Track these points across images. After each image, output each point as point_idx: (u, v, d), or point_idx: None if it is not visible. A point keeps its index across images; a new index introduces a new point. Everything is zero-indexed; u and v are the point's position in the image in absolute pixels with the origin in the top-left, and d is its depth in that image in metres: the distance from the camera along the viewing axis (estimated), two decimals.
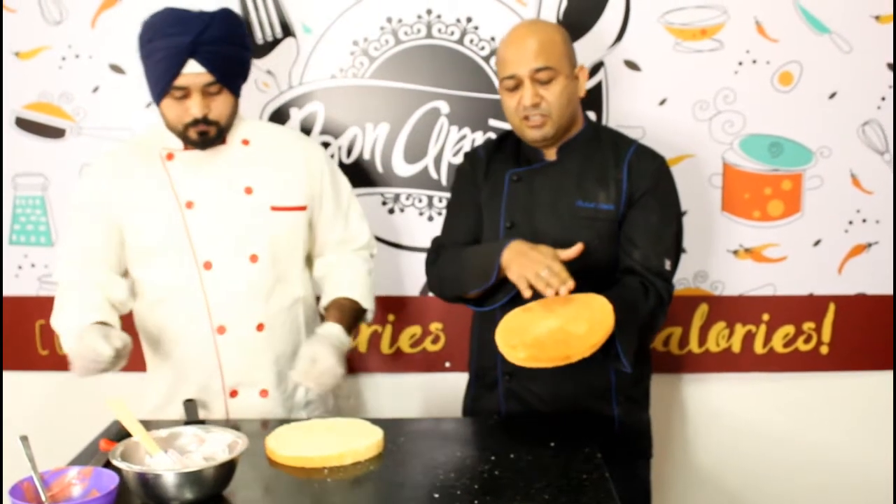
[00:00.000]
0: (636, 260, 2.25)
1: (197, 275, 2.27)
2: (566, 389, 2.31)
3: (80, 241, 2.29)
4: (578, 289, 2.19)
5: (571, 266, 2.25)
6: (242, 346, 2.31)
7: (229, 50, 2.19)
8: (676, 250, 2.32)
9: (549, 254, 2.08)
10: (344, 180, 2.49)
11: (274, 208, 2.32)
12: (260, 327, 2.31)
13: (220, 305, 2.28)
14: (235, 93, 2.26)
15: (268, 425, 2.15)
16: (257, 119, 2.51)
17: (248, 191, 2.30)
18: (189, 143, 2.26)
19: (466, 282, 2.27)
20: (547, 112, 2.23)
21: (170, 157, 2.29)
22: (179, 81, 2.14)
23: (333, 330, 2.27)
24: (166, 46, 2.12)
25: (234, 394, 2.33)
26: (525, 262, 2.07)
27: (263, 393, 2.34)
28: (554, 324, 2.00)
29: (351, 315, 2.38)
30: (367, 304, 2.43)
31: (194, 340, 2.30)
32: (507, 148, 2.43)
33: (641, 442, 2.43)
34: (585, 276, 2.25)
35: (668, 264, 2.27)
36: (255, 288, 2.30)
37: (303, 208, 2.36)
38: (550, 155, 2.35)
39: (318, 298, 2.48)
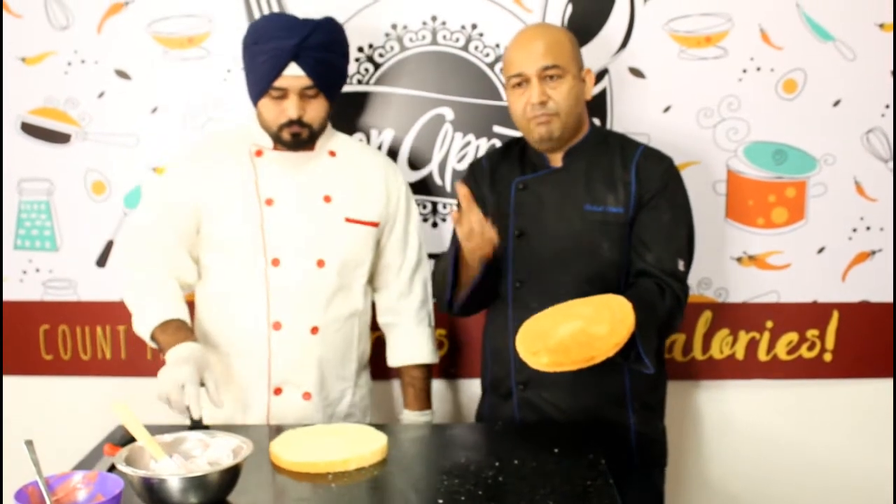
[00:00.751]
0: (649, 262, 2.25)
1: (264, 270, 2.33)
2: (581, 398, 2.29)
3: (146, 230, 2.35)
4: (591, 294, 2.21)
5: (584, 270, 2.27)
6: (294, 344, 2.35)
7: (329, 57, 2.30)
8: (689, 250, 2.32)
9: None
10: (416, 211, 2.59)
11: (348, 220, 2.40)
12: (314, 330, 2.36)
13: (280, 302, 2.34)
14: (331, 99, 2.35)
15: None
16: (347, 136, 2.55)
17: (327, 199, 2.38)
18: (280, 143, 2.35)
19: (442, 281, 2.34)
20: (554, 111, 2.24)
21: (258, 153, 2.38)
22: (279, 83, 2.25)
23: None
24: (271, 49, 2.24)
25: (278, 391, 2.37)
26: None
27: (306, 395, 2.38)
28: (575, 326, 1.99)
29: (425, 386, 2.59)
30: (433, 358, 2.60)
31: (249, 334, 2.35)
32: (512, 156, 2.44)
33: (656, 450, 2.42)
34: (597, 280, 2.27)
35: (681, 265, 2.27)
36: (316, 291, 2.36)
37: (375, 224, 2.45)
38: (556, 161, 2.35)
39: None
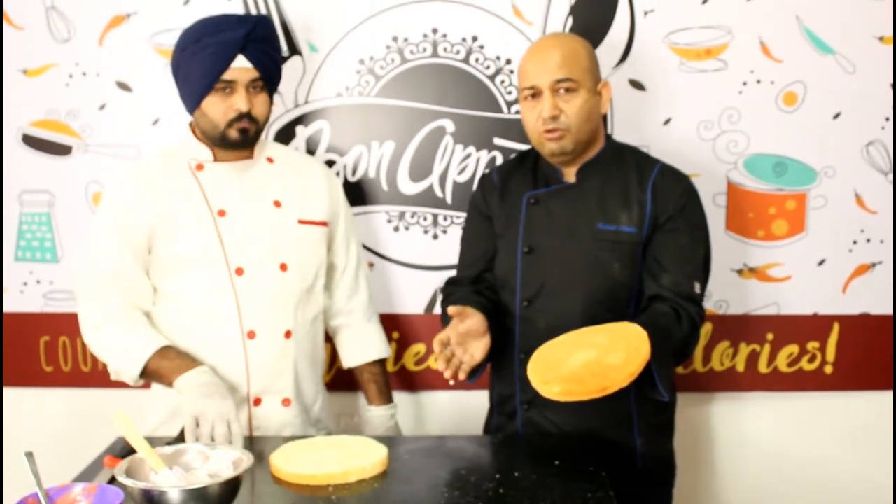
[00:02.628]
0: (665, 285, 2.20)
1: (229, 280, 2.31)
2: (587, 419, 2.25)
3: (110, 261, 2.31)
4: (601, 315, 2.19)
5: (593, 290, 2.25)
6: (271, 352, 2.34)
7: (271, 51, 2.33)
8: (706, 272, 2.29)
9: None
10: (350, 210, 2.61)
11: (301, 221, 2.41)
12: (288, 334, 2.36)
13: (252, 310, 2.32)
14: (271, 95, 2.37)
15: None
16: (277, 142, 2.57)
17: (277, 204, 2.38)
18: (225, 146, 2.33)
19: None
20: (566, 125, 2.21)
21: (199, 167, 2.36)
22: (227, 75, 2.26)
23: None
24: (218, 42, 2.24)
25: (258, 402, 2.35)
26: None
27: (286, 402, 2.38)
28: (589, 355, 1.96)
29: (386, 380, 2.64)
30: (388, 351, 2.67)
31: (224, 346, 2.32)
32: (525, 168, 2.41)
33: (662, 472, 2.39)
34: (607, 301, 2.25)
35: (697, 287, 2.23)
36: (285, 295, 2.36)
37: (325, 224, 2.46)
38: (570, 176, 2.32)
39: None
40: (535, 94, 2.23)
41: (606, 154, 2.33)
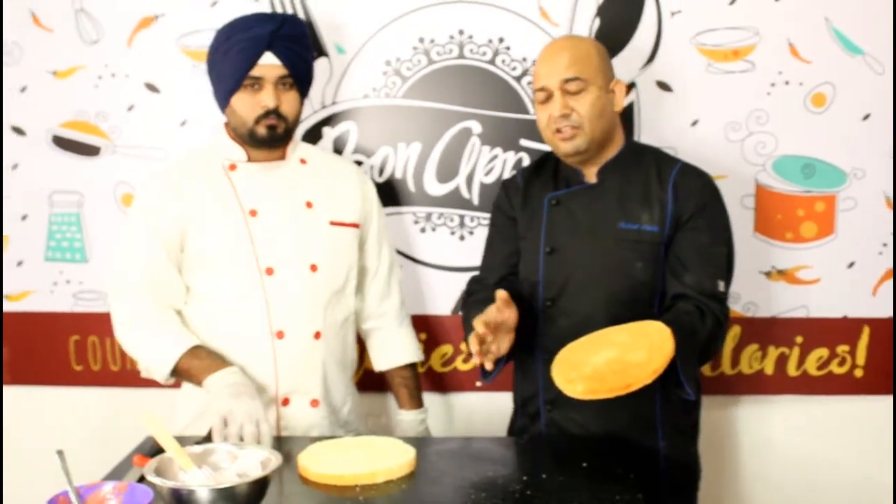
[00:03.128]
0: (688, 284, 2.20)
1: (259, 280, 2.32)
2: (610, 420, 2.26)
3: (143, 260, 2.33)
4: (623, 314, 2.19)
5: (616, 289, 2.25)
6: (299, 352, 2.35)
7: (300, 50, 2.34)
8: (729, 270, 2.29)
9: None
10: (383, 212, 2.62)
11: (332, 223, 2.41)
12: (317, 335, 2.36)
13: (281, 310, 2.33)
14: (303, 94, 2.38)
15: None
16: (309, 144, 2.58)
17: (309, 205, 2.39)
18: (255, 144, 2.35)
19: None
20: (578, 123, 2.21)
21: (232, 167, 2.38)
22: (255, 72, 2.27)
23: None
24: (245, 38, 2.27)
25: (286, 402, 2.36)
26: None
27: (314, 403, 2.38)
28: (611, 354, 1.96)
29: (417, 384, 2.65)
30: (420, 356, 2.67)
31: (252, 346, 2.33)
32: (546, 171, 2.42)
33: (686, 475, 2.39)
34: (629, 300, 2.25)
35: (721, 285, 2.23)
36: (314, 296, 2.36)
37: (357, 225, 2.47)
38: (590, 177, 2.33)
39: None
40: (547, 95, 2.25)
41: (626, 154, 2.34)
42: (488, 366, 2.09)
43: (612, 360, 1.95)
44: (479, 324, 2.04)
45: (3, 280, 2.91)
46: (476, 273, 2.54)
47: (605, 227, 2.28)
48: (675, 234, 2.25)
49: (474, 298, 2.39)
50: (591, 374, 1.94)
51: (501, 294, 2.09)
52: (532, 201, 2.39)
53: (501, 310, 2.09)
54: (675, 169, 2.30)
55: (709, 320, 2.16)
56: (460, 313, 2.78)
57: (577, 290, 2.29)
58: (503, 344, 2.12)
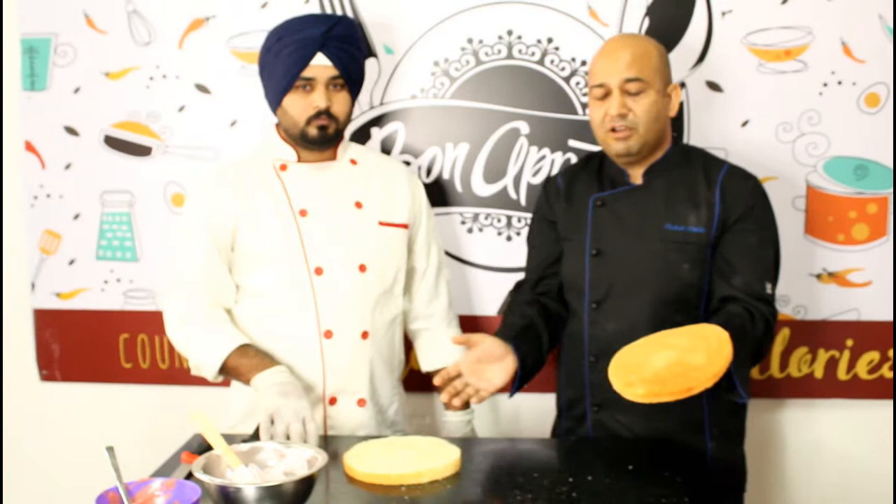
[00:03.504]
0: (736, 286, 2.19)
1: (308, 280, 2.33)
2: (657, 422, 2.24)
3: (196, 259, 2.34)
4: (670, 316, 2.19)
5: (662, 291, 2.24)
6: (347, 352, 2.36)
7: (352, 50, 2.34)
8: (776, 272, 2.28)
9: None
10: (433, 212, 2.62)
11: (381, 223, 2.42)
12: (365, 335, 2.37)
13: (329, 310, 2.34)
14: (354, 95, 2.39)
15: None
16: (359, 144, 2.59)
17: (358, 205, 2.40)
18: (306, 145, 2.37)
19: None
20: (633, 124, 2.20)
21: (283, 167, 2.39)
22: (307, 73, 2.29)
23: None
24: (297, 40, 2.28)
25: (333, 401, 2.37)
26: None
27: (361, 402, 2.39)
28: (671, 356, 1.94)
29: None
30: None
31: (301, 345, 2.34)
32: (590, 171, 2.41)
33: (734, 477, 2.37)
34: (676, 302, 2.24)
35: (769, 287, 2.22)
36: (362, 296, 2.37)
37: (405, 226, 2.47)
38: (636, 178, 2.32)
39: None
40: (605, 92, 2.23)
41: (673, 156, 2.33)
42: (475, 402, 2.18)
43: (672, 364, 1.93)
44: (439, 379, 2.15)
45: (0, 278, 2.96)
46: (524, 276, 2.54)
47: (652, 228, 2.27)
48: (723, 236, 2.24)
49: (510, 307, 2.45)
50: (652, 377, 1.92)
51: (456, 339, 2.27)
52: (575, 202, 2.38)
53: (468, 357, 2.17)
54: (723, 171, 2.29)
55: (759, 323, 2.14)
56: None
57: (623, 292, 2.28)
58: (495, 376, 2.17)
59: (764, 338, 2.17)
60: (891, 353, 2.76)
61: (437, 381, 2.15)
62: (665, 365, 1.93)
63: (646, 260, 2.26)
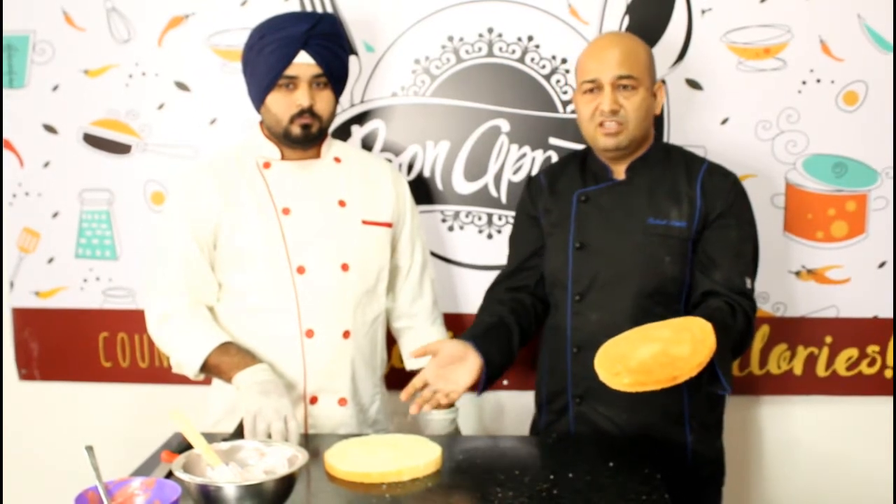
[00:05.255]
0: (717, 281, 2.22)
1: (290, 278, 2.32)
2: (638, 414, 2.27)
3: (177, 256, 2.33)
4: (651, 309, 2.23)
5: (644, 284, 2.26)
6: (328, 351, 2.35)
7: (335, 48, 2.33)
8: (755, 267, 2.31)
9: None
10: (417, 211, 2.61)
11: (365, 222, 2.42)
12: (346, 335, 2.37)
13: (311, 309, 2.33)
14: (337, 93, 2.37)
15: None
16: (344, 142, 2.58)
17: (342, 203, 2.40)
18: (289, 143, 2.36)
19: None
20: (624, 120, 2.23)
21: (266, 165, 2.38)
22: (290, 71, 2.27)
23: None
24: (280, 38, 2.27)
25: (314, 400, 2.36)
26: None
27: (342, 401, 2.39)
28: (656, 347, 1.95)
29: None
30: None
31: (282, 344, 2.34)
32: (573, 168, 2.43)
33: (713, 470, 2.39)
34: (657, 295, 2.27)
35: (749, 282, 2.25)
36: (345, 295, 2.36)
37: (389, 225, 2.47)
38: (619, 174, 2.34)
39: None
40: (595, 87, 2.25)
41: (655, 152, 2.36)
42: (444, 403, 2.18)
43: (657, 354, 1.94)
44: (405, 394, 2.17)
45: None
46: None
47: (634, 222, 2.29)
48: (704, 232, 2.27)
49: (483, 306, 2.49)
50: (638, 367, 1.93)
51: (415, 353, 2.27)
52: (559, 198, 2.40)
53: (430, 365, 2.20)
54: (703, 168, 2.33)
55: (739, 316, 2.17)
56: None
57: (605, 284, 2.30)
58: (461, 377, 2.20)
59: (745, 331, 2.20)
60: (869, 349, 2.78)
61: (403, 396, 2.16)
62: (650, 355, 1.94)
63: (628, 253, 2.28)
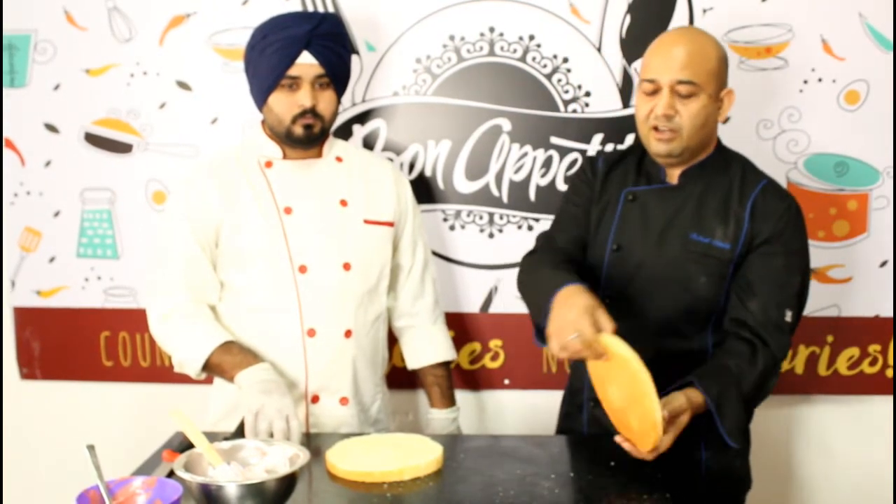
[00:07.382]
0: (752, 310, 2.11)
1: (292, 278, 2.32)
2: None
3: (179, 255, 2.33)
4: (678, 326, 2.18)
5: (676, 300, 2.18)
6: (330, 350, 2.35)
7: (338, 48, 2.33)
8: (800, 301, 2.18)
9: (584, 311, 1.89)
10: (419, 210, 2.61)
11: (367, 221, 2.42)
12: (348, 334, 2.37)
13: (313, 308, 2.34)
14: (339, 93, 2.37)
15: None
16: (346, 142, 2.58)
17: (343, 203, 2.40)
18: (291, 143, 2.35)
19: (530, 310, 2.18)
20: (678, 127, 2.11)
21: (268, 164, 2.38)
22: (292, 71, 2.27)
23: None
24: (282, 38, 2.26)
25: (315, 399, 2.37)
26: (560, 319, 1.91)
27: (343, 401, 2.39)
28: (634, 424, 1.93)
29: (449, 383, 2.62)
30: (453, 354, 2.64)
31: (284, 343, 2.34)
32: (629, 162, 2.32)
33: (729, 486, 2.29)
34: (687, 313, 2.19)
35: (788, 315, 2.12)
36: (346, 294, 2.36)
37: (391, 224, 2.46)
38: (672, 178, 2.24)
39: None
40: (654, 88, 2.12)
41: (714, 160, 2.23)
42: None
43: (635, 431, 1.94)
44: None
45: None
46: (507, 273, 2.51)
47: (676, 234, 2.19)
48: (748, 256, 2.16)
49: (540, 260, 2.24)
50: (625, 431, 1.97)
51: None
52: (609, 190, 2.30)
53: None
54: (758, 187, 2.20)
55: (760, 360, 2.08)
56: (493, 311, 2.79)
57: (636, 293, 2.21)
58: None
59: (767, 374, 2.10)
60: (870, 348, 2.78)
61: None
62: (637, 426, 1.92)
63: (664, 267, 2.19)
